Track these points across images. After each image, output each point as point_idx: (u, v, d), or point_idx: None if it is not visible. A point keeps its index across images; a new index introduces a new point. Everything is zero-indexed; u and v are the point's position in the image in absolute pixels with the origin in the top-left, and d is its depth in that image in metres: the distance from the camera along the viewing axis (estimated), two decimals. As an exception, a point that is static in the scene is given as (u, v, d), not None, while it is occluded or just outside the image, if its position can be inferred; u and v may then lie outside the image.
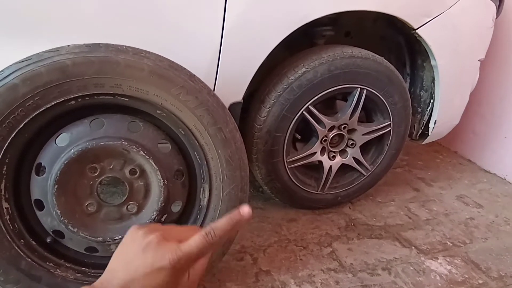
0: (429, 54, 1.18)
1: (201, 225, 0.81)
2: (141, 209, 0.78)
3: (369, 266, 1.07)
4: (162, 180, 0.75)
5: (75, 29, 0.82)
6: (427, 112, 1.29)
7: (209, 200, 0.81)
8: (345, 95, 1.20)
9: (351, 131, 1.21)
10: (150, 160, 0.74)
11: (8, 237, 0.69)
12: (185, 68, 0.77)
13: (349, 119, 1.16)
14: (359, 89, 1.12)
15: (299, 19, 0.96)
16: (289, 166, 1.17)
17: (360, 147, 1.25)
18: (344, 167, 1.27)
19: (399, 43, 1.32)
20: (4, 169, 0.69)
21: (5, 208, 0.70)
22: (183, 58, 0.81)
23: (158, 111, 0.77)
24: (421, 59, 1.27)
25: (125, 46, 0.73)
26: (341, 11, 1.00)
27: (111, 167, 0.75)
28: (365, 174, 1.30)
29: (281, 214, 1.30)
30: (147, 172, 0.77)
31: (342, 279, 1.02)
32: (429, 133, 1.33)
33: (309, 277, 1.02)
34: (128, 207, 0.78)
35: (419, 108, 1.32)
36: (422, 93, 1.30)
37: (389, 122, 1.21)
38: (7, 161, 0.69)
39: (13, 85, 0.65)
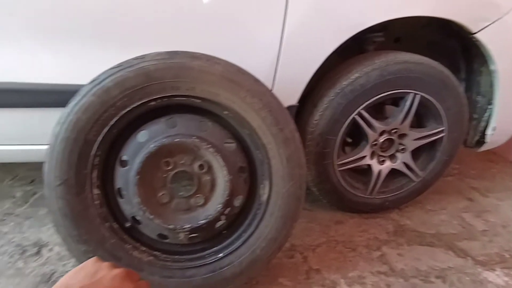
0: (487, 58, 1.15)
1: (261, 220, 0.87)
2: (207, 201, 0.85)
3: (422, 273, 1.06)
4: (228, 176, 0.81)
5: (154, 39, 0.92)
6: (484, 119, 1.25)
7: (269, 196, 0.86)
8: (395, 100, 1.21)
9: (402, 136, 1.21)
10: (218, 157, 0.81)
11: (98, 219, 0.79)
12: (251, 73, 0.83)
13: (400, 124, 1.17)
14: (412, 94, 1.12)
15: (355, 25, 1.00)
16: (338, 169, 1.20)
17: (411, 152, 1.24)
18: (393, 172, 1.27)
19: (452, 47, 1.30)
20: (97, 160, 0.79)
21: (96, 194, 0.80)
22: (244, 62, 0.87)
23: (225, 112, 0.84)
24: (477, 64, 1.24)
25: (199, 53, 0.81)
26: (397, 18, 1.02)
27: (182, 162, 0.83)
28: (415, 180, 1.28)
29: (329, 215, 1.32)
30: (214, 168, 0.84)
31: (393, 283, 1.02)
32: (486, 141, 1.28)
33: (359, 278, 1.03)
34: (196, 199, 0.85)
35: (475, 114, 1.29)
36: (478, 99, 1.26)
37: (443, 128, 1.19)
38: (99, 153, 0.79)
39: (107, 88, 0.76)
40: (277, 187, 0.85)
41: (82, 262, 0.79)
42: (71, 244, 0.79)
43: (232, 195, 0.84)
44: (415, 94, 1.12)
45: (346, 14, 0.98)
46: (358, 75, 1.07)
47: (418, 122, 1.25)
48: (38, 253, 1.09)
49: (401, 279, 1.03)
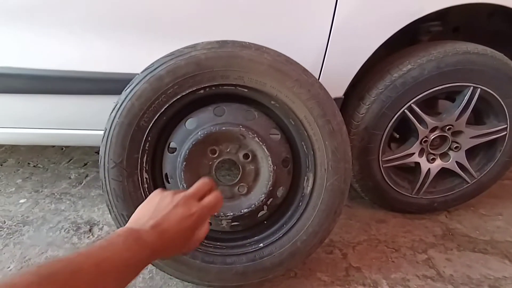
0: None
1: (303, 212, 0.86)
2: (250, 190, 0.86)
3: (473, 281, 0.99)
4: (272, 166, 0.81)
5: (206, 29, 0.93)
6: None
7: (312, 189, 0.85)
8: (450, 94, 1.12)
9: (456, 133, 1.13)
10: (263, 146, 0.81)
11: (147, 202, 0.83)
12: (299, 63, 0.82)
13: (455, 120, 1.09)
14: (471, 88, 1.03)
15: (410, 14, 0.94)
16: (383, 165, 1.14)
17: (466, 151, 1.15)
18: (443, 172, 1.19)
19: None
20: (147, 145, 0.82)
21: (145, 177, 0.84)
22: (291, 52, 0.86)
23: (272, 102, 0.83)
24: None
25: (248, 42, 0.81)
26: (457, 5, 0.94)
27: (228, 150, 0.84)
28: (468, 181, 1.19)
29: (369, 213, 1.27)
30: (259, 158, 0.84)
31: (440, 288, 0.96)
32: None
33: (403, 281, 0.98)
34: (239, 188, 0.86)
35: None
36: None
37: (505, 126, 1.09)
38: (149, 139, 0.82)
39: (160, 76, 0.78)
40: (321, 180, 0.83)
41: None
42: (121, 224, 0.84)
43: (275, 185, 0.84)
44: (475, 87, 1.03)
45: (401, 1, 0.92)
46: (411, 66, 1.01)
47: (476, 118, 1.16)
48: (90, 230, 1.17)
49: (450, 286, 0.97)
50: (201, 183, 0.61)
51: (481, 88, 1.03)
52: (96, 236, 1.15)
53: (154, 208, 0.55)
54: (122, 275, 0.46)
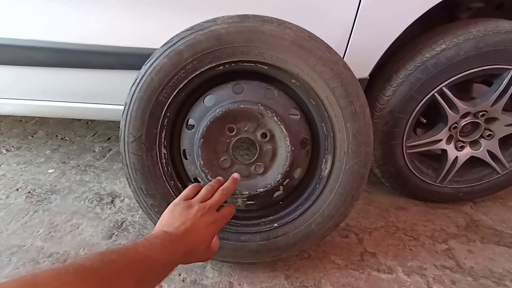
0: None
1: (320, 194, 0.84)
2: (267, 170, 0.85)
3: (495, 275, 0.95)
4: (290, 146, 0.79)
5: (230, 2, 0.90)
6: None
7: (330, 172, 0.82)
8: (487, 78, 1.04)
9: (490, 120, 1.06)
10: (282, 126, 0.79)
11: (164, 177, 0.84)
12: (322, 40, 0.78)
13: (491, 106, 1.01)
14: (512, 71, 0.95)
15: (449, -13, 0.86)
16: (407, 151, 1.10)
17: (499, 140, 1.08)
18: (472, 160, 1.13)
19: None
20: (166, 121, 0.83)
21: (163, 153, 0.85)
22: (316, 29, 0.81)
23: (293, 80, 0.80)
24: None
25: (271, 17, 0.78)
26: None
27: (246, 128, 0.83)
28: (500, 172, 1.12)
29: (389, 200, 1.24)
30: (276, 137, 0.82)
31: (459, 280, 0.93)
32: None
33: (420, 269, 0.96)
34: (256, 167, 0.85)
35: None
36: None
37: (547, 114, 1.01)
38: (168, 114, 0.82)
39: (180, 51, 0.77)
40: (340, 163, 0.81)
41: (148, 214, 0.89)
42: (140, 197, 0.86)
43: (292, 166, 0.82)
44: (516, 71, 0.95)
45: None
46: (445, 46, 0.94)
47: (514, 105, 1.07)
48: (112, 202, 1.22)
49: (469, 278, 0.94)
50: (204, 189, 0.71)
51: (523, 72, 0.95)
52: (117, 207, 1.19)
53: (184, 215, 0.62)
54: (160, 273, 0.51)
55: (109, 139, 1.66)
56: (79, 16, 0.95)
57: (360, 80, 0.98)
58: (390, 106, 1.02)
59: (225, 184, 0.73)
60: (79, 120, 1.82)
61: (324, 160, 0.84)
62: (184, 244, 0.57)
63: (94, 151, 1.55)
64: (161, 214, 0.88)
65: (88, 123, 1.81)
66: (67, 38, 0.97)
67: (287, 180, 0.84)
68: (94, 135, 1.70)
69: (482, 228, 1.12)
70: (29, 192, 1.24)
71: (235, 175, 0.77)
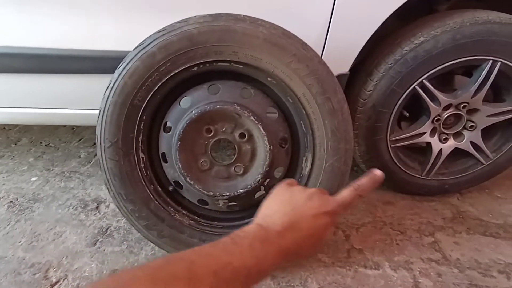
0: None
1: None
2: (247, 171, 0.84)
3: (481, 266, 0.95)
4: (268, 146, 0.78)
5: (201, 2, 0.88)
6: None
7: (311, 170, 0.82)
8: (468, 69, 1.04)
9: (472, 111, 1.05)
10: (259, 126, 0.78)
11: (143, 181, 0.83)
12: (297, 37, 0.76)
13: (471, 97, 1.01)
14: (491, 61, 0.95)
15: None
16: (391, 145, 1.09)
17: (482, 130, 1.08)
18: (456, 152, 1.13)
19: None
20: (142, 124, 0.81)
21: (141, 157, 0.83)
22: (292, 26, 0.80)
23: (268, 79, 0.79)
24: None
25: (243, 15, 0.76)
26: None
27: (223, 129, 0.82)
28: (483, 162, 1.13)
29: (377, 195, 1.23)
30: (255, 137, 0.81)
31: (445, 272, 0.93)
32: None
33: (406, 264, 0.96)
34: (236, 168, 0.84)
35: None
36: None
37: (527, 103, 1.01)
38: (144, 118, 0.81)
39: (152, 53, 0.75)
40: (320, 160, 0.80)
41: (129, 220, 0.83)
42: (120, 202, 0.85)
43: (272, 166, 0.81)
44: (495, 61, 0.94)
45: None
46: (423, 39, 0.93)
47: (495, 95, 1.07)
48: (97, 208, 1.20)
49: (455, 270, 0.94)
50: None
51: (502, 62, 0.94)
52: (103, 213, 1.17)
53: (287, 202, 0.48)
54: (242, 284, 0.39)
55: (94, 144, 1.64)
56: (54, 21, 0.93)
57: (341, 75, 0.98)
58: (372, 100, 1.02)
59: (361, 180, 0.56)
60: (64, 126, 1.80)
61: (304, 158, 0.84)
62: (283, 243, 0.43)
63: (79, 157, 1.53)
64: (142, 220, 0.87)
65: (73, 128, 1.79)
66: (43, 43, 0.95)
67: (268, 180, 0.83)
68: (79, 140, 1.67)
69: (468, 219, 1.12)
70: (11, 201, 1.22)
71: (375, 171, 0.57)
